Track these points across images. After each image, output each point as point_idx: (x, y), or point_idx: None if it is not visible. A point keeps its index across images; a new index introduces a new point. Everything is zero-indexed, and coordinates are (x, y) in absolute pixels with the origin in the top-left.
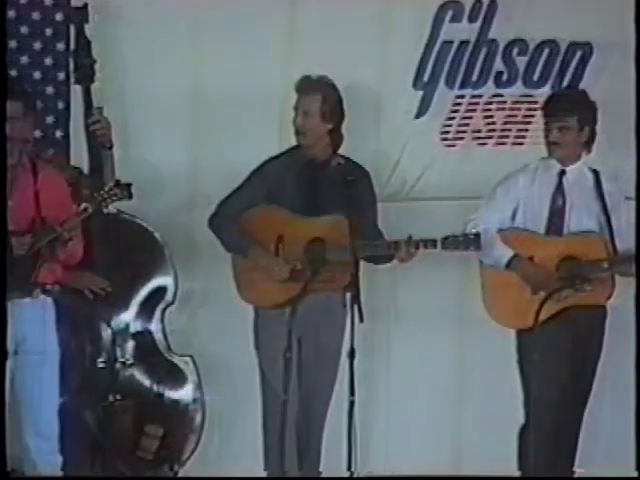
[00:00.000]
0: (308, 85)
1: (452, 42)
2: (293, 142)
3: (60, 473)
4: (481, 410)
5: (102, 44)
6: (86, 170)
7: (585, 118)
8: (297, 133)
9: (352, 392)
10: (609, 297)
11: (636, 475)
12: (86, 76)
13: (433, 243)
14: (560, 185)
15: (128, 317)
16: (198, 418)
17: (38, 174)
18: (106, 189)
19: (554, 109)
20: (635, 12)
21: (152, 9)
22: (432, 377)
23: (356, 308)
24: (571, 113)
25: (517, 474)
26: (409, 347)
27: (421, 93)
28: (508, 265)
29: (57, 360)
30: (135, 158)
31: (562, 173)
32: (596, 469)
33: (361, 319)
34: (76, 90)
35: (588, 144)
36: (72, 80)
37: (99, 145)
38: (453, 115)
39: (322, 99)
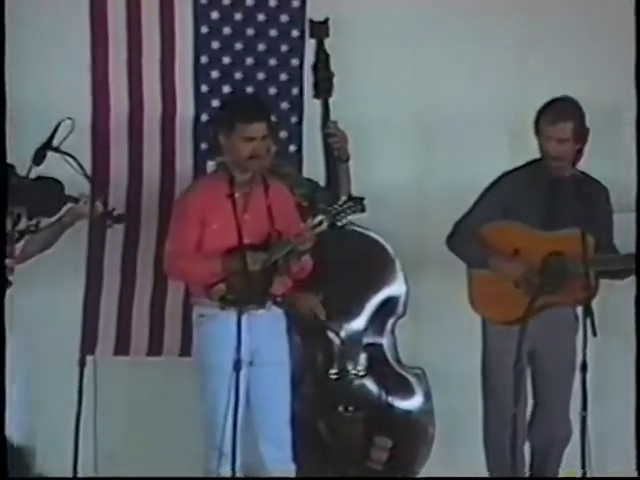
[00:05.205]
0: (560, 112)
1: None
2: (525, 157)
3: None
4: None
5: (337, 58)
6: (322, 183)
7: (579, 125)
8: (549, 157)
9: (584, 407)
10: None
11: (636, 475)
12: (325, 89)
13: None
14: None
15: (359, 328)
16: (429, 430)
17: (269, 188)
18: (340, 202)
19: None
20: (635, 11)
21: (382, 24)
22: None
23: (589, 321)
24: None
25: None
26: None
27: None
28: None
29: (289, 370)
30: (364, 171)
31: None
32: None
33: (594, 333)
34: (310, 104)
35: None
36: (305, 94)
37: (336, 158)
38: None
39: (573, 124)
